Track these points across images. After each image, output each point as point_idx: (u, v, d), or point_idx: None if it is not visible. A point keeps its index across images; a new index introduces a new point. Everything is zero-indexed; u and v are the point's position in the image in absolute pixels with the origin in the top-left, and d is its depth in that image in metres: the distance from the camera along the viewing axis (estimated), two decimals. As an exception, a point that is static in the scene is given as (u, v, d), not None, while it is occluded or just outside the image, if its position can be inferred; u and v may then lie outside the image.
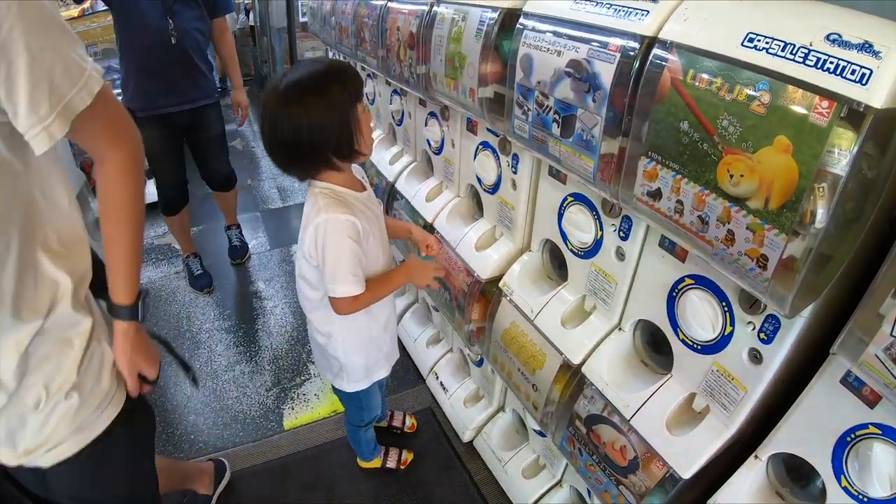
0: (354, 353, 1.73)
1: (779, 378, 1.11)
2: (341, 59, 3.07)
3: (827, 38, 0.79)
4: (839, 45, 0.78)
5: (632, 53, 1.05)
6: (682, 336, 1.26)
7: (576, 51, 1.16)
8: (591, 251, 1.48)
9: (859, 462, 0.96)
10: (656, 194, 1.04)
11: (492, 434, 2.25)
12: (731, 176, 0.88)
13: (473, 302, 1.89)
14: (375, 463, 2.26)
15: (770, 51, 0.84)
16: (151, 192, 4.37)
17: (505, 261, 1.83)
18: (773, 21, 0.87)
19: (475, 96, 1.57)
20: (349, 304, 1.54)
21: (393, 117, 2.62)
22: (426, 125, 2.21)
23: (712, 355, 1.19)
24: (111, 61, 4.56)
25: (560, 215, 1.55)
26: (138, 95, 2.83)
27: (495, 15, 1.46)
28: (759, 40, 0.86)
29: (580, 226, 1.47)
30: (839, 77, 0.76)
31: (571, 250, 1.55)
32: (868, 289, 0.85)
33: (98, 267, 1.18)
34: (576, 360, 1.48)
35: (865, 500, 0.96)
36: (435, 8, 1.73)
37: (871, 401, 0.93)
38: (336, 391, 1.91)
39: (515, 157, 1.69)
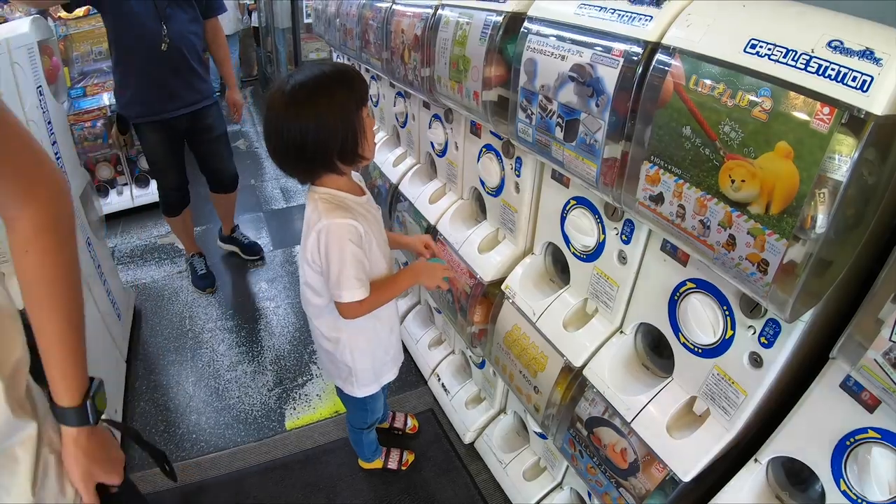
0: (362, 357, 1.74)
1: (779, 382, 1.11)
2: (346, 60, 3.08)
3: (829, 44, 0.80)
4: (841, 52, 0.78)
5: (635, 58, 1.05)
6: (683, 339, 1.26)
7: (579, 55, 1.17)
8: (593, 254, 1.49)
9: (858, 466, 0.97)
10: (658, 198, 1.05)
11: (493, 436, 2.25)
12: (733, 181, 0.89)
13: (476, 304, 1.90)
14: (377, 464, 2.26)
15: (772, 57, 0.84)
16: (154, 191, 4.44)
17: (507, 263, 1.84)
18: (775, 27, 0.87)
19: (479, 99, 1.58)
20: (356, 309, 1.54)
21: (397, 119, 2.63)
22: (430, 127, 2.22)
23: (713, 359, 1.20)
24: (114, 61, 4.58)
25: (563, 218, 1.56)
26: (136, 102, 2.84)
27: (500, 19, 1.47)
28: (761, 46, 0.86)
29: (583, 229, 1.47)
30: (840, 84, 0.77)
31: (574, 253, 1.56)
32: (868, 294, 0.86)
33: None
34: (577, 363, 1.49)
35: (864, 504, 0.96)
36: (440, 11, 1.74)
37: (871, 405, 0.94)
38: (340, 393, 1.92)
39: (519, 161, 1.70)
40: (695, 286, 1.20)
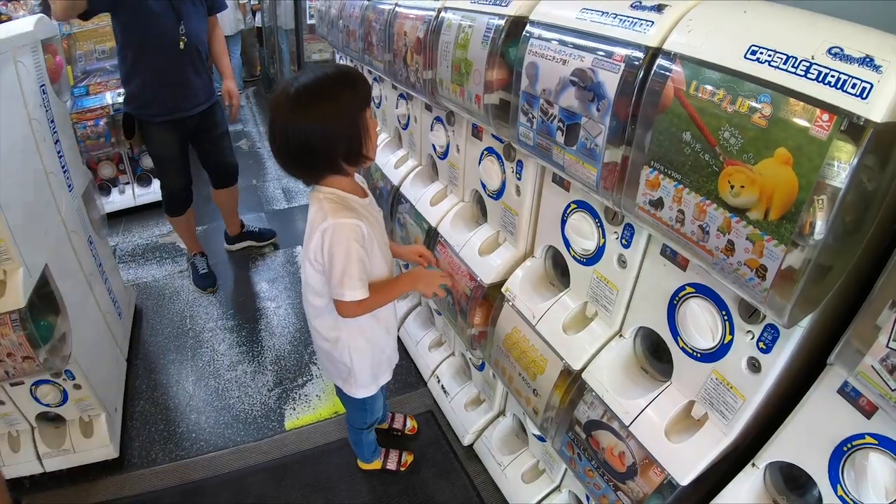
0: (361, 357, 1.75)
1: (777, 387, 1.11)
2: (348, 62, 3.09)
3: (829, 51, 0.80)
4: (840, 59, 0.79)
5: (636, 63, 1.06)
6: (681, 344, 1.27)
7: (581, 60, 1.17)
8: (593, 258, 1.49)
9: (856, 471, 0.97)
10: (658, 203, 1.05)
11: (492, 438, 2.25)
12: (732, 187, 0.89)
13: (476, 306, 1.90)
14: (375, 464, 2.27)
15: (772, 63, 0.85)
16: (156, 190, 4.44)
17: (508, 266, 1.84)
18: (775, 34, 0.88)
19: (481, 103, 1.58)
20: (355, 308, 1.55)
21: (399, 121, 2.63)
22: (432, 130, 2.22)
23: (712, 363, 1.20)
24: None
25: (563, 222, 1.56)
26: (153, 102, 2.84)
27: (502, 22, 1.47)
28: (761, 53, 0.87)
29: (583, 233, 1.47)
30: (840, 90, 0.77)
31: (574, 257, 1.56)
32: (865, 300, 0.86)
33: None
34: (576, 366, 1.49)
35: (861, 509, 0.97)
36: (442, 14, 1.74)
37: (868, 411, 0.94)
38: (339, 393, 1.93)
39: (520, 164, 1.70)
40: (694, 291, 1.20)
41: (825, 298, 0.95)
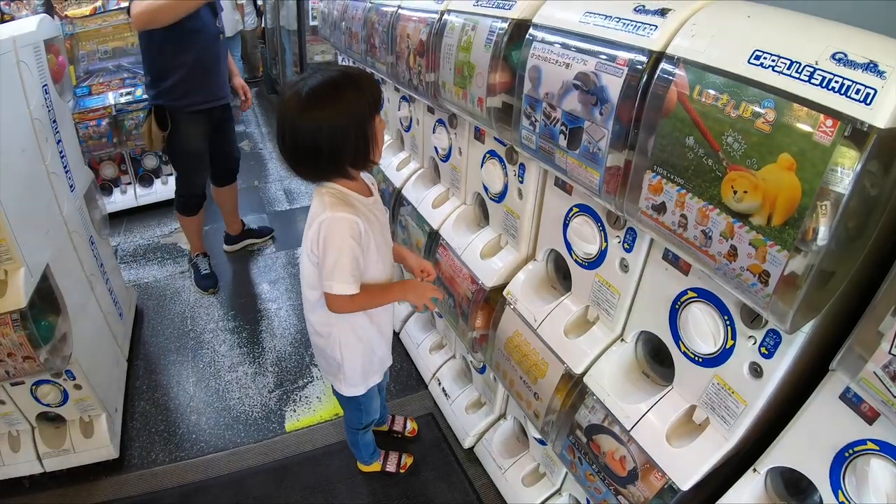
0: (351, 354, 1.75)
1: (778, 392, 1.11)
2: (351, 64, 3.09)
3: (833, 56, 0.80)
4: (844, 65, 0.78)
5: (639, 68, 1.06)
6: (683, 348, 1.26)
7: (584, 63, 1.17)
8: (595, 262, 1.49)
9: (857, 477, 0.97)
10: (661, 208, 1.05)
11: (492, 441, 2.25)
12: (735, 192, 0.89)
13: (477, 309, 1.90)
14: (375, 466, 2.26)
15: (776, 68, 0.85)
16: (158, 190, 4.45)
17: (510, 269, 1.84)
18: (779, 39, 0.88)
19: (483, 106, 1.58)
20: (343, 303, 1.56)
21: (401, 123, 2.63)
22: (434, 132, 2.22)
23: (713, 368, 1.20)
24: (121, 60, 4.59)
25: (565, 225, 1.56)
26: (191, 93, 2.91)
27: (505, 25, 1.47)
28: (765, 58, 0.87)
29: (585, 237, 1.47)
30: (844, 96, 0.77)
31: (576, 261, 1.56)
32: (868, 306, 0.86)
33: None
34: (578, 370, 1.49)
35: (863, 515, 0.96)
36: (445, 16, 1.74)
37: (870, 417, 0.94)
38: (336, 393, 1.92)
39: (522, 167, 1.70)
40: (696, 295, 1.20)
41: (827, 304, 0.94)
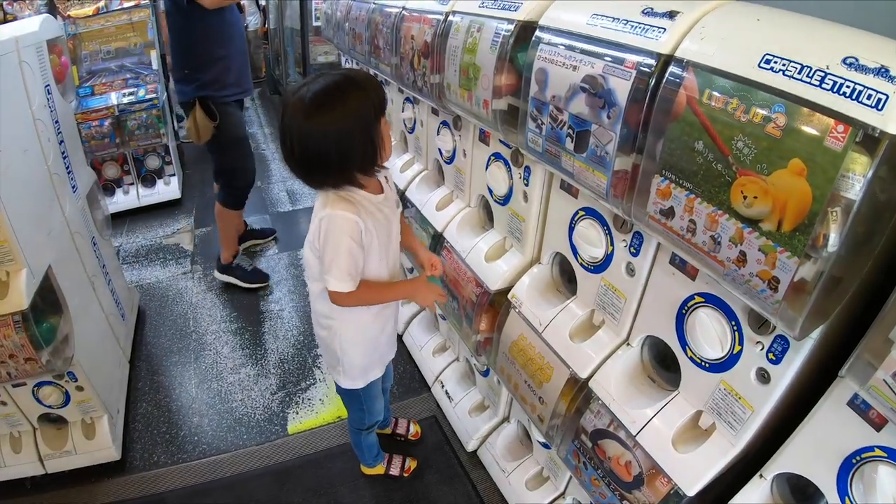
0: (351, 347, 1.75)
1: (786, 398, 1.10)
2: (354, 65, 3.09)
3: (843, 61, 0.79)
4: (856, 69, 0.78)
5: (648, 71, 1.05)
6: (690, 353, 1.26)
7: (591, 66, 1.17)
8: (601, 266, 1.48)
9: (864, 484, 0.96)
10: (669, 213, 1.04)
11: (496, 444, 2.24)
12: (745, 197, 0.89)
13: (482, 312, 1.89)
14: (379, 469, 2.26)
15: (787, 73, 0.84)
16: (161, 191, 4.45)
17: (514, 272, 1.83)
18: (790, 43, 0.87)
19: (489, 108, 1.58)
20: (341, 298, 1.57)
21: (405, 125, 2.63)
22: (438, 134, 2.22)
23: (720, 374, 1.19)
24: (124, 60, 4.59)
25: (571, 229, 1.56)
26: (232, 84, 3.02)
27: (511, 27, 1.47)
28: (775, 62, 0.86)
29: (591, 240, 1.47)
30: (855, 101, 0.76)
31: (581, 264, 1.55)
32: (878, 313, 0.85)
33: None
34: (583, 374, 1.48)
35: (870, 522, 0.96)
36: (450, 18, 1.74)
37: (878, 424, 0.93)
38: (339, 391, 1.92)
39: (527, 170, 1.69)
40: (703, 300, 1.20)
41: (836, 310, 0.94)
